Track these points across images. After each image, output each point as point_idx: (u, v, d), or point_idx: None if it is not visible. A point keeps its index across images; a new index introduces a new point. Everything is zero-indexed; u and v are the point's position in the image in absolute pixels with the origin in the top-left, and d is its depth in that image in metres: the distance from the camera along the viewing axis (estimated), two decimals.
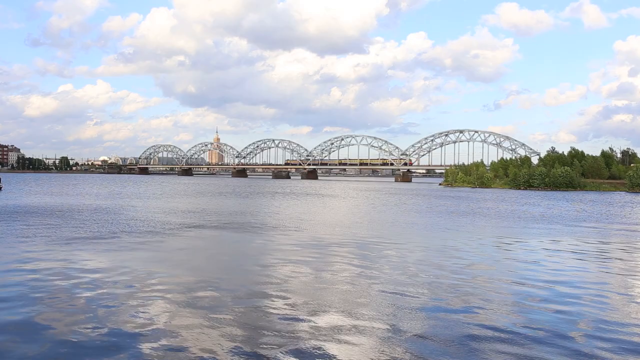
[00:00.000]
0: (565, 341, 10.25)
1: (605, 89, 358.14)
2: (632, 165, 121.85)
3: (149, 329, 10.62)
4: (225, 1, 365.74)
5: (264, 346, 9.73)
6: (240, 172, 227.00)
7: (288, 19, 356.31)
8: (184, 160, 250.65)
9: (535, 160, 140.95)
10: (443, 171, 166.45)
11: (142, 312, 11.74)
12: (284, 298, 13.28)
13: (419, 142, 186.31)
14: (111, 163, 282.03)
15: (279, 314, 11.80)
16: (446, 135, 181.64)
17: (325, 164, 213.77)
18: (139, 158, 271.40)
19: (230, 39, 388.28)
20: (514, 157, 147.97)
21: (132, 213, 37.99)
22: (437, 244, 24.51)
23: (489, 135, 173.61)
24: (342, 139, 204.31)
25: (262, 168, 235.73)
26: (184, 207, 45.05)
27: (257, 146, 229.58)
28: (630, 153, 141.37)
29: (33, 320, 11.10)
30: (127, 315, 11.50)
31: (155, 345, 9.71)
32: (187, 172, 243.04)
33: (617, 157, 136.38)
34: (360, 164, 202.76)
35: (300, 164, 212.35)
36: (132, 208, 42.94)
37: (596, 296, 14.13)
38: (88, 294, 13.39)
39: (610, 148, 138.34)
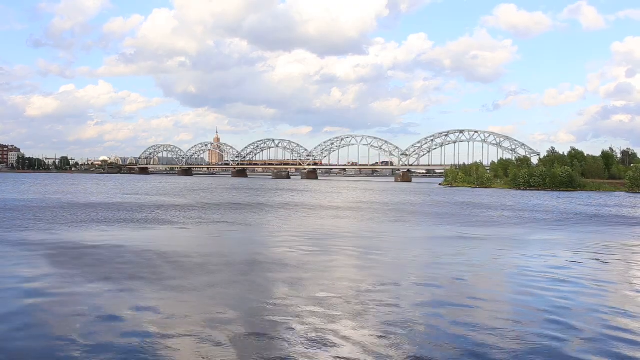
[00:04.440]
0: (566, 340, 10.08)
1: (603, 89, 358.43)
2: (632, 165, 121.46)
3: (139, 317, 10.47)
4: (225, 2, 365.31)
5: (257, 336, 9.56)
6: (240, 172, 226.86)
7: (288, 20, 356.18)
8: (184, 160, 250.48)
9: (535, 160, 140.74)
10: (443, 171, 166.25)
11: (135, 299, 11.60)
12: (278, 285, 13.12)
13: (419, 142, 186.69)
14: (111, 163, 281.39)
15: (273, 304, 11.66)
16: (446, 135, 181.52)
17: (326, 165, 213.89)
18: (139, 158, 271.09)
19: (230, 39, 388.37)
20: (513, 157, 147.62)
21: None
22: (437, 239, 24.36)
23: (489, 136, 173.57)
24: (342, 139, 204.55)
25: (262, 168, 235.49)
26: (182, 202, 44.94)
27: (257, 146, 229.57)
28: (630, 153, 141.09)
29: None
30: (121, 307, 11.35)
31: (147, 339, 9.55)
32: (187, 172, 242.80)
33: (617, 157, 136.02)
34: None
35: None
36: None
37: (597, 293, 14.01)
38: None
39: (610, 148, 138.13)
